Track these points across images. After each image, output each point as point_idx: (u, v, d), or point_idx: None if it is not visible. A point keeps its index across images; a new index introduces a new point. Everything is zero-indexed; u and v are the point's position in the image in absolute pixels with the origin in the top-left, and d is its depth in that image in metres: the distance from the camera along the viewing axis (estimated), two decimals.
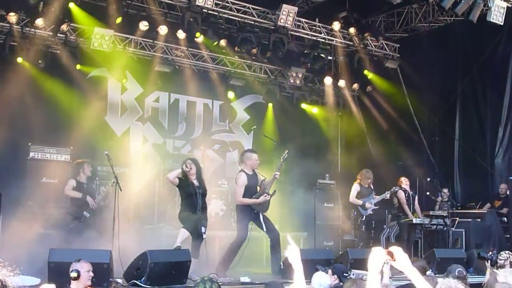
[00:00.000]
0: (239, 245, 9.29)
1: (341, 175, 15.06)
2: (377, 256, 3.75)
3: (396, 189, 11.45)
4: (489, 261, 7.37)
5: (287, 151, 9.70)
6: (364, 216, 11.37)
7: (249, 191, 9.48)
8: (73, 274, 6.04)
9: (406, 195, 12.42)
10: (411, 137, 14.88)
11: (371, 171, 11.73)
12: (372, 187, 11.58)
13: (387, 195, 11.32)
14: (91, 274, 6.23)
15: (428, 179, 13.10)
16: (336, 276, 7.01)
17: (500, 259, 7.24)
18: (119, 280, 7.98)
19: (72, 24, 12.13)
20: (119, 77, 13.32)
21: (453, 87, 14.49)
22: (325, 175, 14.53)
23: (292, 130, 15.05)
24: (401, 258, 3.69)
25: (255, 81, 15.27)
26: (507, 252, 7.23)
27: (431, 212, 12.94)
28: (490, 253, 7.41)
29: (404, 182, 12.46)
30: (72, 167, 10.61)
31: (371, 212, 11.42)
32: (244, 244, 9.34)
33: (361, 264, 9.30)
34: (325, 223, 13.17)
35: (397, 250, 3.75)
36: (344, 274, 7.18)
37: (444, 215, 12.76)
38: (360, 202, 11.35)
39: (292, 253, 4.09)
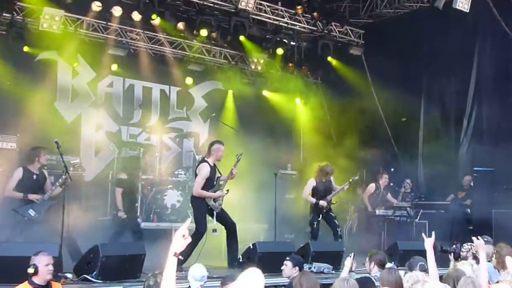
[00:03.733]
0: (198, 238, 9.21)
1: (303, 165, 15.09)
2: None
3: (355, 178, 11.20)
4: (452, 253, 7.48)
5: (241, 153, 9.67)
6: (321, 216, 11.03)
7: (208, 184, 9.47)
8: (30, 270, 5.88)
9: (377, 191, 12.67)
10: (376, 126, 15.04)
11: (330, 165, 11.42)
12: (333, 181, 11.34)
13: (345, 187, 11.12)
14: (51, 268, 6.06)
15: (392, 169, 13.28)
16: (297, 268, 7.03)
17: (463, 251, 7.37)
18: (69, 275, 7.84)
19: (19, 3, 11.83)
20: (70, 60, 13.10)
21: (418, 76, 14.66)
22: (287, 165, 14.72)
23: (252, 118, 15.07)
24: None
25: (214, 66, 15.22)
26: (469, 244, 7.31)
27: (394, 203, 13.10)
28: (454, 246, 7.51)
29: (384, 179, 12.76)
30: (25, 154, 9.92)
31: (328, 206, 11.09)
32: (203, 237, 9.30)
33: (322, 257, 9.55)
34: (287, 215, 13.24)
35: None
36: (304, 264, 7.25)
37: (408, 206, 12.98)
38: (313, 200, 11.04)
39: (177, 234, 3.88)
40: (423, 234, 6.36)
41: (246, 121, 14.84)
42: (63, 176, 8.81)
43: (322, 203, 10.89)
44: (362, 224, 13.51)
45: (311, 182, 11.16)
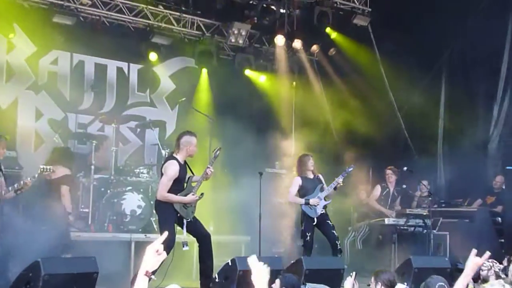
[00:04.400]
0: (166, 251, 9.27)
1: (295, 162, 15.09)
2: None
3: (350, 169, 11.22)
4: None
5: (219, 147, 9.78)
6: (315, 219, 11.04)
7: (177, 186, 9.45)
8: None
9: (385, 192, 13.02)
10: (385, 115, 15.22)
11: (311, 155, 11.51)
12: (321, 177, 11.35)
13: (339, 180, 11.04)
14: None
15: (405, 168, 13.24)
16: None
17: (483, 270, 7.34)
18: None
19: None
20: (4, 31, 13.05)
21: (438, 53, 14.81)
22: (275, 163, 14.83)
23: (232, 104, 15.08)
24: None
25: (185, 39, 15.26)
26: (490, 260, 7.21)
27: (407, 210, 13.29)
28: None
29: (390, 175, 13.07)
30: None
31: (322, 211, 11.13)
32: (171, 252, 9.35)
33: (318, 276, 9.64)
34: (274, 224, 13.35)
35: None
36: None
37: (424, 214, 13.11)
38: (301, 200, 11.11)
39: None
40: (473, 250, 5.32)
41: (225, 107, 14.87)
42: (24, 181, 9.14)
43: (313, 201, 10.99)
44: (367, 236, 13.66)
45: (297, 181, 11.30)
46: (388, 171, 13.49)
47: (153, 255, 3.79)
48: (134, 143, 14.86)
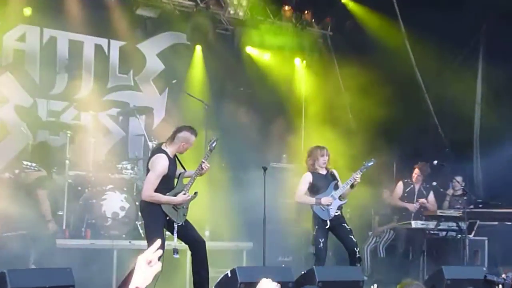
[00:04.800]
0: None
1: (305, 155, 15.02)
2: None
3: (369, 163, 11.01)
4: (500, 286, 7.47)
5: (215, 138, 9.74)
6: (328, 222, 10.91)
7: (166, 184, 9.43)
8: None
9: (408, 189, 13.01)
10: (411, 99, 15.13)
11: (324, 147, 11.29)
12: (336, 173, 11.28)
13: (357, 176, 10.88)
14: None
15: (435, 161, 13.20)
16: None
17: None
18: None
19: None
20: None
21: (475, 26, 14.70)
22: (281, 156, 14.82)
23: (231, 87, 15.16)
24: None
25: (175, 11, 15.18)
26: None
27: (438, 212, 13.17)
28: (504, 275, 7.49)
29: (418, 176, 13.15)
30: None
31: (337, 212, 11.01)
32: (161, 259, 9.26)
33: None
34: (281, 229, 13.41)
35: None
36: None
37: (458, 215, 12.98)
38: (311, 200, 11.02)
39: None
40: None
41: (223, 91, 14.93)
42: None
43: (325, 200, 10.87)
44: (390, 242, 13.69)
45: (307, 177, 11.19)
46: (416, 171, 13.45)
47: (146, 267, 3.64)
48: (116, 133, 14.83)
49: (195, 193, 9.54)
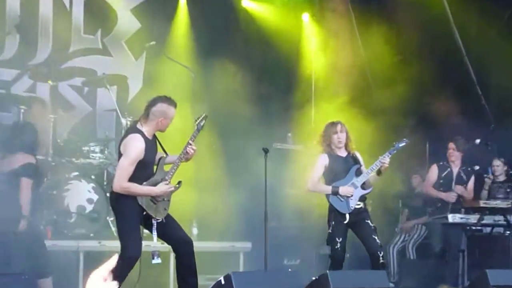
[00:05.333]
0: (126, 267, 9.15)
1: (316, 133, 14.96)
2: None
3: (400, 144, 10.98)
4: None
5: (204, 115, 9.71)
6: (347, 217, 10.90)
7: (143, 172, 9.37)
8: None
9: (445, 173, 13.02)
10: (448, 64, 15.14)
11: (342, 123, 11.26)
12: (358, 155, 11.26)
13: (384, 160, 10.76)
14: None
15: (478, 140, 13.30)
16: None
17: None
18: None
19: None
20: None
21: None
22: (286, 135, 14.82)
23: (223, 50, 15.01)
24: None
25: None
26: None
27: (481, 203, 13.02)
28: None
29: (452, 151, 13.14)
30: None
31: (358, 205, 10.95)
32: (137, 266, 9.34)
33: None
34: (287, 225, 13.54)
35: None
36: None
37: (506, 207, 12.89)
38: (327, 188, 11.01)
39: None
40: None
41: (213, 56, 14.73)
42: None
43: (344, 189, 10.83)
44: (423, 241, 13.81)
45: (322, 160, 11.15)
46: (451, 146, 13.37)
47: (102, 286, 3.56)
48: (81, 108, 14.81)
49: (179, 182, 9.52)
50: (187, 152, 9.43)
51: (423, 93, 14.59)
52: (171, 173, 9.48)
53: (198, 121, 9.62)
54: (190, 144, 9.45)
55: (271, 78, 15.79)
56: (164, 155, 9.64)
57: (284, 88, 15.88)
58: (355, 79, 15.80)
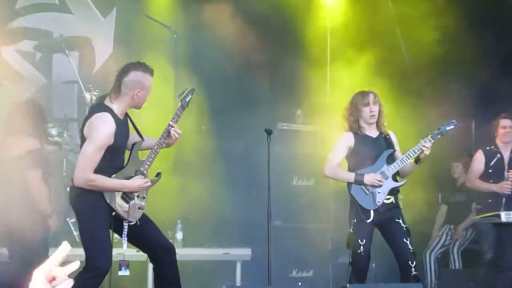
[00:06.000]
0: (94, 279, 9.15)
1: (332, 111, 14.67)
2: None
3: (448, 127, 10.98)
4: None
5: (190, 88, 9.76)
6: (372, 214, 10.88)
7: (112, 161, 9.37)
8: None
9: (494, 160, 13.08)
10: (499, 17, 15.15)
11: (375, 94, 11.16)
12: (393, 136, 11.32)
13: (425, 144, 10.68)
14: None
15: None
16: None
17: None
18: None
19: None
20: None
21: None
22: (295, 113, 14.89)
23: (214, 4, 14.94)
24: None
25: None
26: None
27: None
28: None
29: (504, 130, 13.09)
30: None
31: (388, 199, 10.91)
32: (106, 279, 9.36)
33: None
34: (296, 227, 13.62)
35: None
36: None
37: None
38: (349, 176, 11.02)
39: None
40: None
41: (201, 12, 14.79)
42: None
43: (370, 178, 10.79)
44: (469, 245, 13.92)
45: (346, 139, 11.11)
46: (503, 122, 13.33)
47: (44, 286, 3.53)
48: (32, 80, 14.85)
49: (158, 174, 9.58)
50: (168, 135, 9.43)
51: (467, 63, 14.64)
52: (148, 163, 9.43)
53: (182, 96, 9.62)
54: (173, 126, 9.44)
55: (275, 40, 15.77)
56: (139, 140, 9.56)
57: (291, 52, 15.75)
58: (380, 40, 15.75)
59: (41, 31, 14.80)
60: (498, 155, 13.33)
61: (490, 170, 13.33)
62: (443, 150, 13.24)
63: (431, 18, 15.23)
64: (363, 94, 11.02)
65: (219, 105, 13.35)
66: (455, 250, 13.82)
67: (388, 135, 11.15)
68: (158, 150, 9.46)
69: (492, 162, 13.35)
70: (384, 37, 15.85)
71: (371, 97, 10.94)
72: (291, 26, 16.04)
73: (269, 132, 11.21)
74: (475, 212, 13.55)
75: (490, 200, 13.11)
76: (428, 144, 10.66)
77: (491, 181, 13.25)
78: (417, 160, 10.73)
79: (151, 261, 9.72)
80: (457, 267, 13.90)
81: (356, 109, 10.99)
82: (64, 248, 3.44)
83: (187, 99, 9.62)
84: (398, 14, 16.00)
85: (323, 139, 13.69)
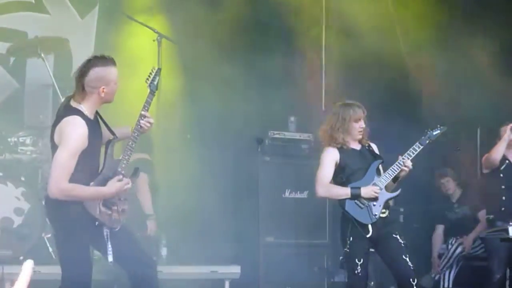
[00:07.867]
0: None
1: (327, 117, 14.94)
2: None
3: (437, 131, 10.88)
4: None
5: (156, 68, 9.53)
6: (371, 229, 10.69)
7: (88, 166, 9.11)
8: None
9: (503, 167, 12.93)
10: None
11: (361, 105, 10.98)
12: (375, 148, 11.17)
13: (416, 149, 10.69)
14: None
15: None
16: None
17: None
18: None
19: None
20: None
21: None
22: (289, 119, 14.64)
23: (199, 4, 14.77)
24: None
25: None
26: None
27: None
28: None
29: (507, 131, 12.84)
30: None
31: (383, 213, 10.71)
32: None
33: None
34: (287, 242, 13.61)
35: None
36: None
37: None
38: (344, 191, 10.73)
39: None
40: None
41: (187, 8, 14.59)
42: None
43: (367, 190, 10.60)
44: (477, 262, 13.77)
45: (330, 154, 10.88)
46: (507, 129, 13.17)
47: None
48: (4, 85, 14.83)
49: (136, 170, 9.35)
50: (141, 127, 9.24)
51: (473, 56, 14.60)
52: (125, 161, 9.24)
53: (149, 80, 9.38)
54: (145, 116, 9.24)
55: (266, 38, 15.65)
56: (113, 137, 9.34)
57: (283, 51, 15.60)
58: (381, 47, 15.48)
59: (14, 32, 14.83)
60: (507, 161, 13.35)
61: (501, 175, 13.26)
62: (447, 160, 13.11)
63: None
64: (353, 108, 10.90)
65: (206, 111, 13.35)
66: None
67: (369, 146, 11.10)
68: (133, 146, 9.29)
69: (501, 169, 13.31)
70: (384, 41, 15.65)
71: (362, 113, 10.86)
72: (284, 23, 15.96)
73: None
74: (486, 223, 13.36)
75: (503, 209, 13.05)
76: (408, 162, 10.68)
77: (503, 186, 13.15)
78: (395, 179, 10.69)
79: (129, 278, 9.43)
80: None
81: (344, 123, 10.84)
82: (27, 265, 3.57)
83: (155, 83, 9.40)
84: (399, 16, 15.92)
85: (318, 148, 13.39)
